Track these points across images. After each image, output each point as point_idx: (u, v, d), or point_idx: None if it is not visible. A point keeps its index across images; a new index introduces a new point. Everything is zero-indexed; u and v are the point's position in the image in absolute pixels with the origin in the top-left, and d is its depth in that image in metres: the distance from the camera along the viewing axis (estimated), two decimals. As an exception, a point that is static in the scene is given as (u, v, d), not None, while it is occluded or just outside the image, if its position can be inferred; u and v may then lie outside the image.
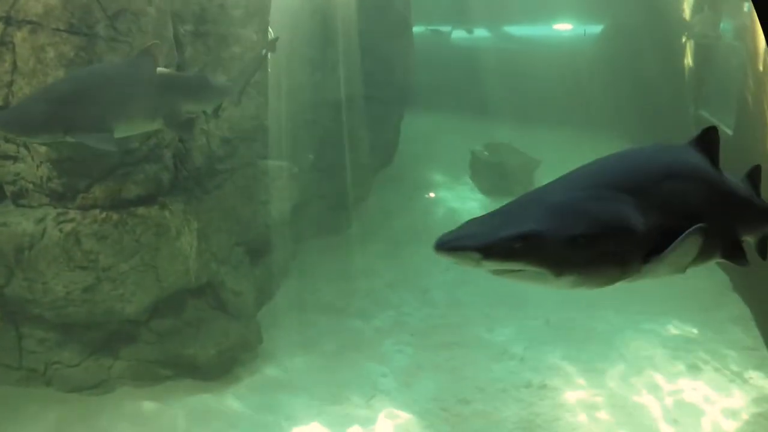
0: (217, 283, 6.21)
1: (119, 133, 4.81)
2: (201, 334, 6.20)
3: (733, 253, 2.88)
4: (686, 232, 2.34)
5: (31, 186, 5.67)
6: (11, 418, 5.79)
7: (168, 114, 4.82)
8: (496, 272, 2.31)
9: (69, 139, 4.34)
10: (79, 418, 5.80)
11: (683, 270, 2.57)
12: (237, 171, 6.59)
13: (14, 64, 5.29)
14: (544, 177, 9.32)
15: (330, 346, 6.78)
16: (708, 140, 2.89)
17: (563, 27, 17.75)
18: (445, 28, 16.29)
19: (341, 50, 8.30)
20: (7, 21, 5.23)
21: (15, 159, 5.63)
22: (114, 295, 5.62)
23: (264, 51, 5.53)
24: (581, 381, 6.20)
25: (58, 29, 5.13)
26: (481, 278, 7.73)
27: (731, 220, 2.89)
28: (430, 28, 15.76)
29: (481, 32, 17.25)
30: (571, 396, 6.01)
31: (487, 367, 6.45)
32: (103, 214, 5.49)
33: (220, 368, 6.25)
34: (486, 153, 11.33)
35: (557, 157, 9.21)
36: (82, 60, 5.14)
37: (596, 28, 15.01)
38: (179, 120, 4.96)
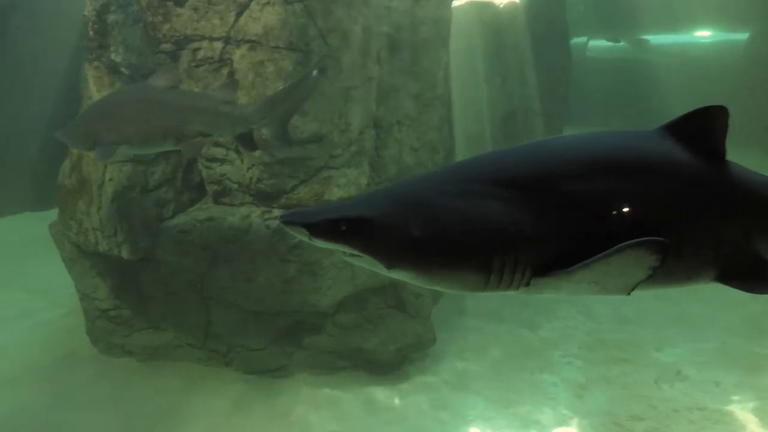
0: (400, 284, 6.54)
1: (140, 150, 5.27)
2: (379, 330, 6.54)
3: (743, 275, 2.15)
4: (620, 245, 1.82)
5: (235, 186, 6.23)
6: (194, 391, 6.40)
7: (176, 135, 4.83)
8: (343, 255, 2.20)
9: (96, 150, 4.82)
10: (258, 397, 6.29)
11: (627, 292, 1.99)
12: (418, 178, 6.92)
13: (231, 77, 5.83)
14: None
15: (498, 352, 6.94)
16: (698, 125, 2.19)
17: (703, 34, 17.05)
18: (581, 40, 16.07)
19: (509, 65, 8.48)
20: (227, 41, 5.78)
21: (222, 161, 6.22)
22: (312, 287, 6.05)
23: (314, 72, 4.94)
24: (755, 409, 5.97)
25: (277, 47, 5.64)
26: (648, 297, 7.72)
27: (738, 232, 2.17)
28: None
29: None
30: (744, 423, 5.81)
31: (659, 386, 6.35)
32: (309, 215, 5.96)
33: (393, 364, 6.57)
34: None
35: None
36: (299, 73, 5.63)
37: (738, 36, 14.27)
38: (187, 141, 4.84)
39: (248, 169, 6.04)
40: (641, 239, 1.82)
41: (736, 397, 6.15)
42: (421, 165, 6.87)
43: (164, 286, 6.65)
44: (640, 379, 6.44)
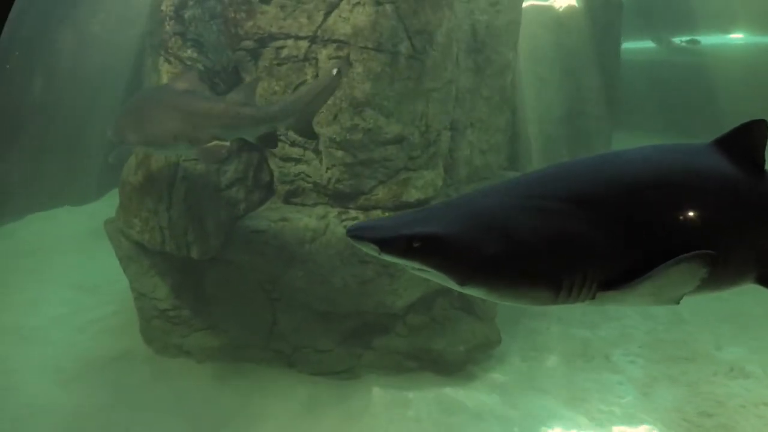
0: (468, 286, 6.58)
1: (158, 152, 5.54)
2: (447, 331, 6.59)
3: None
4: (675, 258, 1.96)
5: (310, 186, 6.20)
6: (261, 392, 6.35)
7: (188, 138, 4.88)
8: (412, 269, 2.17)
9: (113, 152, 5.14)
10: (330, 399, 6.26)
11: (676, 301, 2.17)
12: (486, 180, 6.96)
13: (315, 76, 5.84)
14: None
15: (560, 352, 7.04)
16: (743, 139, 2.34)
17: (736, 36, 17.09)
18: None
19: (567, 68, 8.56)
20: (312, 40, 5.76)
21: (297, 161, 6.19)
22: (389, 289, 6.05)
23: (334, 75, 4.97)
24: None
25: (366, 47, 5.60)
26: (700, 297, 7.86)
27: None
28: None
29: (640, 44, 16.68)
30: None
31: (723, 383, 6.52)
32: (386, 214, 5.98)
33: (459, 364, 6.60)
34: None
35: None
36: (386, 75, 5.63)
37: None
38: (201, 145, 4.88)
39: (327, 169, 6.02)
40: (694, 252, 1.96)
41: (799, 394, 6.34)
42: (488, 167, 6.93)
43: (230, 286, 6.58)
44: (703, 377, 6.59)
